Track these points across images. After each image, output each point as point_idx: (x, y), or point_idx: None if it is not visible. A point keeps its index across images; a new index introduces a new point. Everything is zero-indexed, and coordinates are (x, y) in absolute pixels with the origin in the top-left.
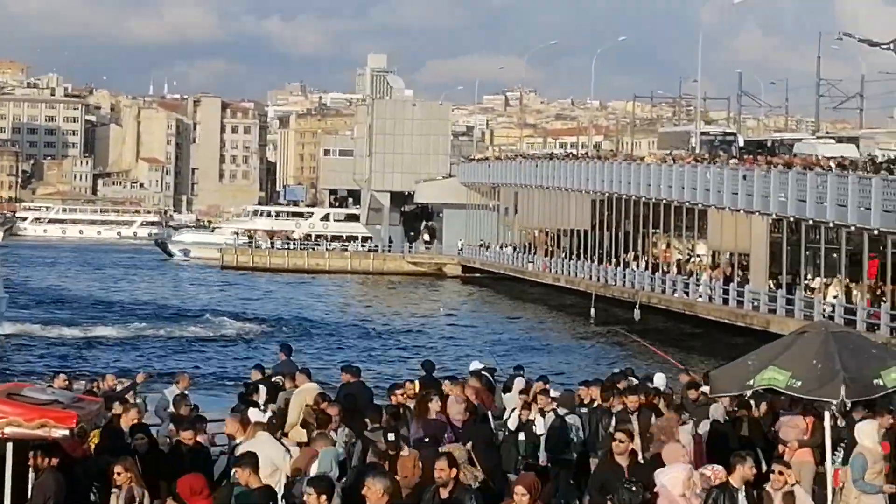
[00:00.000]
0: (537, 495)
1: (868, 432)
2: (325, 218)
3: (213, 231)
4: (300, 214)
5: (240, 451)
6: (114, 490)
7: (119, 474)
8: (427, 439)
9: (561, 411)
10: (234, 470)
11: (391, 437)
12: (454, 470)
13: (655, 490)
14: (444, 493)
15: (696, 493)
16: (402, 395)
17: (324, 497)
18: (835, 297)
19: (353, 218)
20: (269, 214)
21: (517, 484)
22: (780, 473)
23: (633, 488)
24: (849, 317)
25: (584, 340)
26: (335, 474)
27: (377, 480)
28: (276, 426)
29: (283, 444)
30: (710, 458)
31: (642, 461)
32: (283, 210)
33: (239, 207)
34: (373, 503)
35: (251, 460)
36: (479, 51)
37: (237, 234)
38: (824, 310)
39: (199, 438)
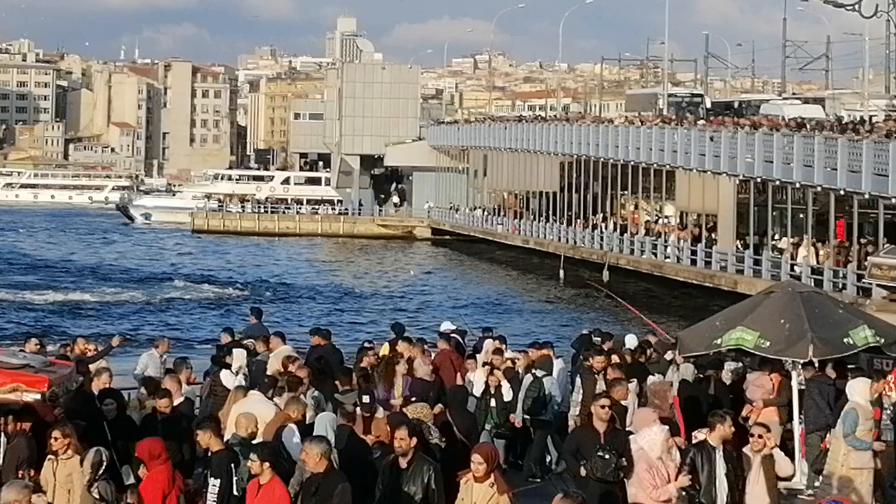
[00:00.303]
0: (494, 464)
1: (860, 390)
2: (286, 181)
3: (174, 195)
4: (261, 178)
5: (233, 412)
6: (49, 456)
7: (56, 440)
8: (414, 399)
9: (539, 373)
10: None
11: (366, 399)
12: (414, 439)
13: (633, 454)
14: (402, 463)
15: (673, 455)
16: (373, 356)
17: (266, 464)
18: (805, 257)
19: (315, 181)
20: (229, 178)
21: (474, 452)
22: (760, 437)
23: (607, 456)
24: (816, 277)
25: (553, 302)
26: (332, 438)
27: (314, 444)
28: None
29: (275, 403)
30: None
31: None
32: (243, 174)
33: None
34: (310, 467)
35: (212, 424)
36: (448, 14)
37: (199, 197)
38: (792, 270)
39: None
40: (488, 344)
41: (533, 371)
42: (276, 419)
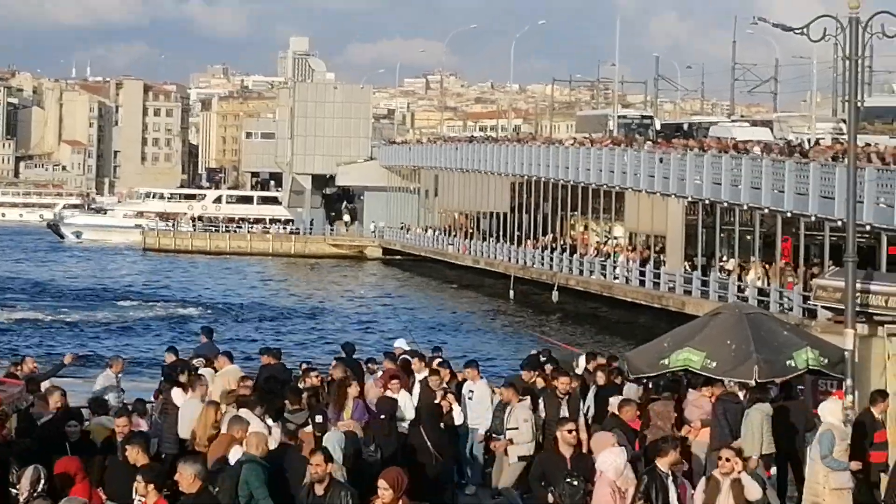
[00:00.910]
0: (401, 490)
1: (833, 410)
2: (218, 200)
3: (105, 214)
4: (192, 197)
5: (223, 429)
6: None
7: None
8: (383, 416)
9: None
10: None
11: (318, 418)
12: (330, 465)
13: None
14: (318, 490)
15: (630, 479)
16: (315, 377)
17: (151, 486)
18: (753, 279)
19: (247, 200)
20: (161, 196)
21: (381, 478)
22: (728, 460)
23: (575, 482)
24: (762, 298)
25: (503, 321)
26: (339, 457)
27: (188, 466)
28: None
29: (265, 422)
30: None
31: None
32: (175, 192)
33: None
34: (184, 488)
35: (141, 439)
36: (400, 34)
37: (130, 215)
38: (739, 291)
39: (140, 425)
40: (437, 363)
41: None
42: (223, 439)
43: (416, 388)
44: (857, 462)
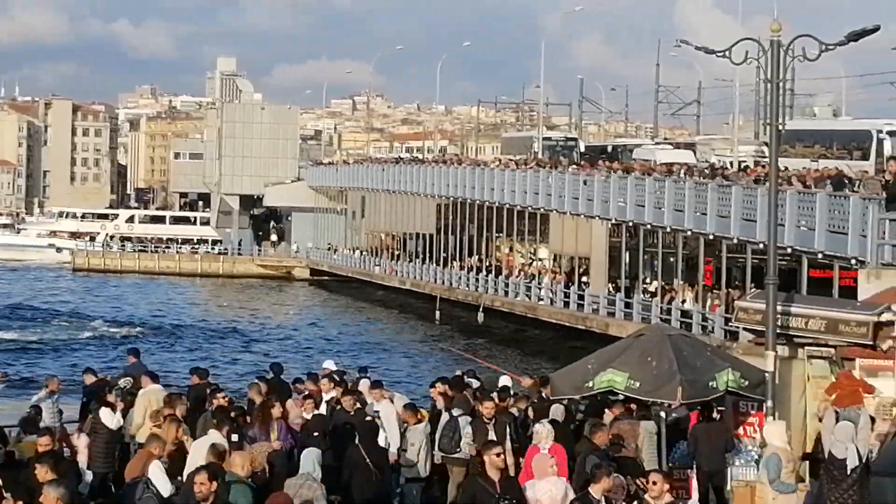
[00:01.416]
0: None
1: (777, 433)
2: (131, 220)
3: (18, 233)
4: (105, 216)
5: (192, 449)
6: None
7: None
8: (316, 433)
9: (455, 412)
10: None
11: (235, 437)
12: (214, 483)
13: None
14: None
15: None
16: (223, 398)
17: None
18: (683, 301)
19: (159, 220)
20: (74, 216)
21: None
22: (655, 483)
23: None
24: (685, 320)
25: (429, 342)
26: (318, 474)
27: (52, 489)
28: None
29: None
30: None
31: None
32: (88, 211)
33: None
34: None
35: (50, 458)
36: (327, 55)
37: (44, 234)
38: (663, 313)
39: (80, 443)
40: (364, 384)
41: (450, 410)
42: (140, 456)
43: (323, 408)
44: (805, 484)
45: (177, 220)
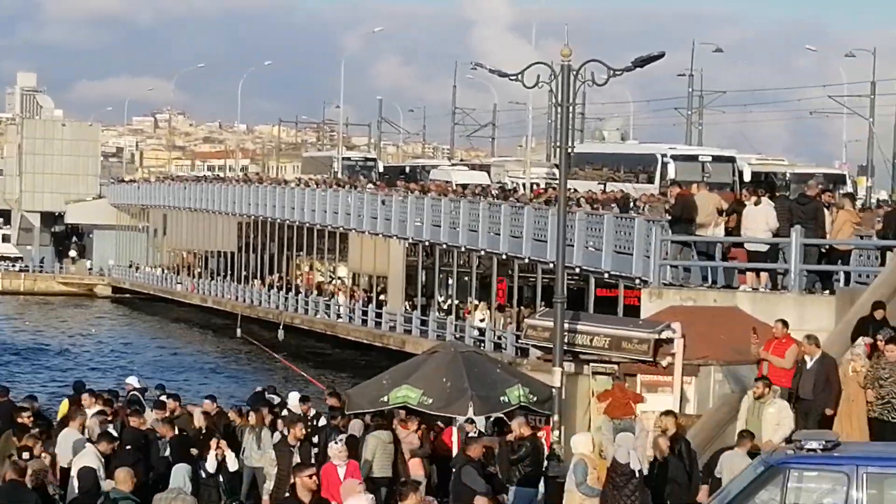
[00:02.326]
0: None
1: (584, 442)
2: None
3: None
4: None
5: (76, 464)
6: None
7: None
8: (129, 447)
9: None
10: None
11: (25, 455)
12: None
13: None
14: None
15: None
16: (27, 416)
17: None
18: (481, 320)
19: None
20: None
21: None
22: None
23: None
24: (478, 337)
25: (229, 359)
26: (189, 488)
27: None
28: None
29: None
30: None
31: None
32: None
33: None
34: None
35: None
36: (128, 72)
37: None
38: (458, 330)
39: None
40: (171, 403)
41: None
42: None
43: (89, 423)
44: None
45: None
